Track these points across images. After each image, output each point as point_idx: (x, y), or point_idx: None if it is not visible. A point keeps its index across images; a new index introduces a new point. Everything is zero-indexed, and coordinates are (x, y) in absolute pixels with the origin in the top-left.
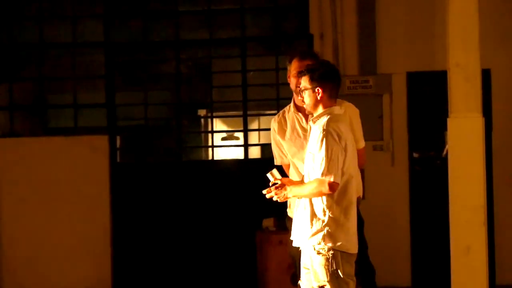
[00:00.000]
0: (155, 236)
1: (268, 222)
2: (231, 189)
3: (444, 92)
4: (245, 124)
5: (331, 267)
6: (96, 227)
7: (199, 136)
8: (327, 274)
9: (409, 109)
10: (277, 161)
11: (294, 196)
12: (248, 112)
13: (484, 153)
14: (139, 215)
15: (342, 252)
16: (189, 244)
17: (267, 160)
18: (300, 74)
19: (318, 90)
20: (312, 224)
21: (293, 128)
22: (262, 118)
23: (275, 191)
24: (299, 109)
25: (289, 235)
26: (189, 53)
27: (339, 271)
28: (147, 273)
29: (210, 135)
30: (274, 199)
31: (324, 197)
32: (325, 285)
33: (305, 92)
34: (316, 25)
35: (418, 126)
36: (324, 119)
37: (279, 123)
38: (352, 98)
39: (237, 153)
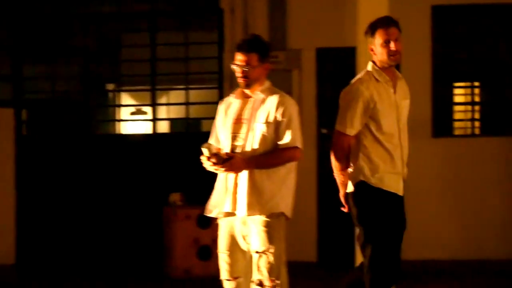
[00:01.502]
0: (60, 210)
1: (175, 197)
2: (139, 164)
3: (354, 68)
4: (154, 98)
5: (282, 231)
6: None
7: (108, 110)
8: (277, 238)
9: (319, 85)
10: None
11: (253, 168)
12: (157, 87)
13: None
14: (45, 189)
15: (286, 218)
16: (96, 219)
17: (175, 134)
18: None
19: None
20: (268, 193)
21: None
22: (171, 93)
23: (222, 165)
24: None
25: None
26: (97, 26)
27: (282, 234)
28: (52, 247)
29: (118, 109)
30: (216, 171)
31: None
32: (270, 248)
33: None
34: None
35: (327, 102)
36: (276, 90)
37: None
38: None
39: (145, 128)
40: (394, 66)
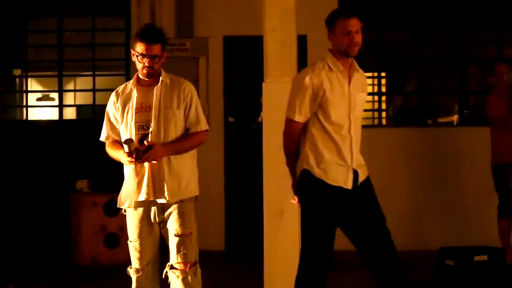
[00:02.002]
0: None
1: (82, 184)
2: (46, 150)
3: (261, 57)
4: (60, 84)
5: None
6: None
7: (14, 96)
8: (194, 221)
9: (226, 73)
10: None
11: (170, 154)
12: (64, 73)
13: None
14: None
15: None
16: (2, 205)
17: (82, 121)
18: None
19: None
20: (186, 178)
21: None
22: (78, 79)
23: (146, 154)
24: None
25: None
26: (4, 11)
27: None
28: None
29: (25, 95)
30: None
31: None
32: (192, 230)
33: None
34: None
35: (235, 90)
36: (177, 77)
37: None
38: (169, 61)
39: (52, 114)
40: (352, 57)
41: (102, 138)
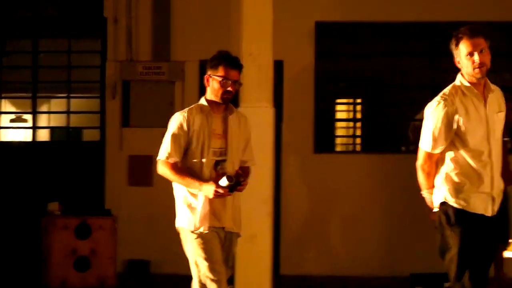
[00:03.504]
0: None
1: (53, 206)
2: (18, 172)
3: None
4: (34, 106)
5: None
6: None
7: None
8: None
9: (201, 96)
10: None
11: None
12: (38, 94)
13: (273, 144)
14: None
15: None
16: None
17: (55, 143)
18: None
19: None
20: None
21: None
22: (52, 101)
23: (240, 187)
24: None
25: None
26: None
27: None
28: None
29: None
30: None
31: None
32: None
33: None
34: (111, 8)
35: None
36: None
37: None
38: (144, 84)
39: (25, 135)
40: (482, 77)
41: (163, 157)
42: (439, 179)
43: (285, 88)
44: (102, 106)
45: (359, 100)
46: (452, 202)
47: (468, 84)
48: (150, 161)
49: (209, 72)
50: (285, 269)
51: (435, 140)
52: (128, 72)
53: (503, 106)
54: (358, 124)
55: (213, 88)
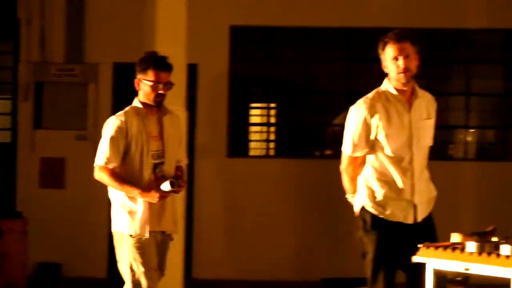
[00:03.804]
0: None
1: None
2: None
3: None
4: None
5: None
6: None
7: None
8: None
9: (115, 99)
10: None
11: None
12: None
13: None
14: None
15: None
16: None
17: None
18: None
19: None
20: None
21: None
22: None
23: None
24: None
25: None
26: None
27: None
28: None
29: None
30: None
31: None
32: None
33: None
34: (24, 9)
35: None
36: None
37: None
38: (57, 86)
39: None
40: (407, 82)
41: (101, 162)
42: (360, 184)
43: (199, 92)
44: (14, 107)
45: (273, 105)
46: (369, 207)
47: (393, 89)
48: (62, 163)
49: (138, 76)
50: (197, 273)
51: (355, 144)
52: (41, 73)
53: (433, 113)
54: (272, 129)
55: (144, 92)
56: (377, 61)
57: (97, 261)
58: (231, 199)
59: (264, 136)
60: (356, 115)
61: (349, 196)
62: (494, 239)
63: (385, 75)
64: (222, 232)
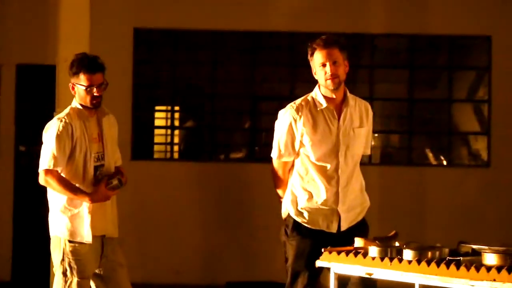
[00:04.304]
0: None
1: None
2: None
3: (54, 86)
4: None
5: None
6: None
7: None
8: None
9: (18, 101)
10: None
11: None
12: None
13: None
14: None
15: None
16: None
17: None
18: None
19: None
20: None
21: None
22: None
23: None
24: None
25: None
26: None
27: None
28: None
29: None
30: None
31: None
32: None
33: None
34: None
35: (27, 119)
36: None
37: None
38: None
39: None
40: (336, 90)
41: (48, 165)
42: (287, 190)
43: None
44: None
45: (177, 108)
46: (292, 214)
47: (321, 96)
48: None
49: (72, 80)
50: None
51: (280, 149)
52: None
53: (367, 121)
54: (176, 132)
55: (80, 96)
56: (282, 65)
57: (1, 264)
58: (135, 202)
59: (168, 139)
60: (282, 121)
61: (283, 201)
62: (397, 244)
63: (287, 78)
64: (126, 235)
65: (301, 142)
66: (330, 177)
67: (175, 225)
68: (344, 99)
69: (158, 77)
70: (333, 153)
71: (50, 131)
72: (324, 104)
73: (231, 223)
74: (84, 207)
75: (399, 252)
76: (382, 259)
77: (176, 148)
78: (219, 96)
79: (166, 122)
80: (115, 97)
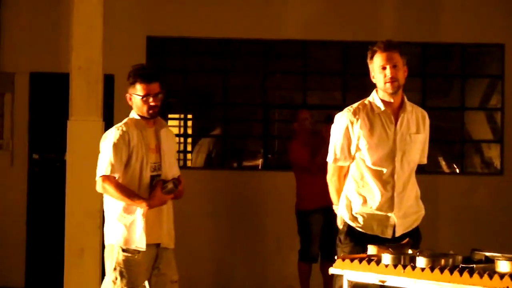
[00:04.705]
0: None
1: None
2: None
3: (68, 95)
4: None
5: None
6: None
7: None
8: None
9: (31, 109)
10: None
11: None
12: None
13: None
14: None
15: None
16: None
17: None
18: None
19: None
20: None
21: None
22: None
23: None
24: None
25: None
26: None
27: None
28: None
29: None
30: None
31: None
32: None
33: None
34: None
35: (40, 127)
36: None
37: None
38: None
39: None
40: (394, 94)
41: (106, 172)
42: (342, 195)
43: (116, 102)
44: None
45: (190, 116)
46: (346, 219)
47: (379, 100)
48: None
49: (129, 91)
50: None
51: (336, 153)
52: None
53: (423, 129)
54: (189, 140)
55: (137, 106)
56: (294, 73)
57: (15, 271)
58: None
59: (182, 147)
60: (339, 124)
61: (335, 208)
62: (410, 251)
63: (301, 87)
64: None
65: (357, 145)
66: (386, 182)
67: (187, 233)
68: (402, 104)
69: (171, 85)
70: (389, 157)
71: (108, 140)
72: (382, 107)
73: (244, 231)
74: (138, 213)
75: (412, 260)
76: (395, 266)
77: (189, 156)
78: (231, 104)
79: (179, 130)
80: (128, 105)
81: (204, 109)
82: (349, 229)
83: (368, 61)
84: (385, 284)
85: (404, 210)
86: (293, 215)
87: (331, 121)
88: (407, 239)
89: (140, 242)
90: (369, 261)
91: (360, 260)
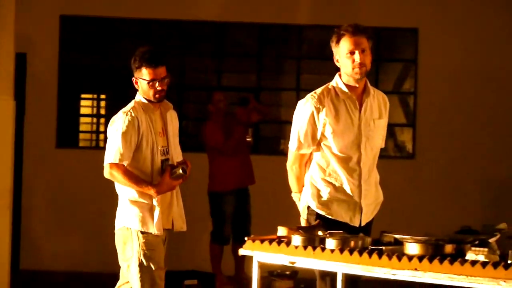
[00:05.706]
0: None
1: None
2: None
3: None
4: None
5: None
6: None
7: None
8: None
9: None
10: None
11: None
12: None
13: (13, 136)
14: None
15: None
16: None
17: None
18: None
19: None
20: None
21: None
22: None
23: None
24: None
25: None
26: None
27: None
28: None
29: None
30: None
31: None
32: None
33: None
34: None
35: None
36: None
37: None
38: None
39: None
40: (361, 79)
41: (115, 159)
42: (306, 183)
43: (28, 82)
44: None
45: (103, 96)
46: (314, 207)
47: (343, 85)
48: None
49: (135, 75)
50: (25, 264)
51: (300, 140)
52: None
53: (385, 113)
54: (102, 120)
55: (143, 90)
56: (209, 55)
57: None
58: (60, 189)
59: (94, 127)
60: (303, 111)
61: (293, 195)
62: (320, 233)
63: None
64: (50, 223)
65: (322, 133)
66: (352, 170)
67: (100, 212)
68: (365, 89)
69: (84, 64)
70: (355, 144)
71: (116, 125)
72: (347, 93)
73: None
74: (154, 200)
75: (322, 241)
76: (305, 247)
77: (101, 136)
78: None
79: (92, 110)
80: (41, 85)
81: (117, 89)
82: (318, 217)
83: (333, 44)
84: (295, 265)
85: (369, 197)
86: (206, 197)
87: (245, 103)
88: (317, 220)
89: (157, 228)
90: (279, 243)
91: (270, 242)
